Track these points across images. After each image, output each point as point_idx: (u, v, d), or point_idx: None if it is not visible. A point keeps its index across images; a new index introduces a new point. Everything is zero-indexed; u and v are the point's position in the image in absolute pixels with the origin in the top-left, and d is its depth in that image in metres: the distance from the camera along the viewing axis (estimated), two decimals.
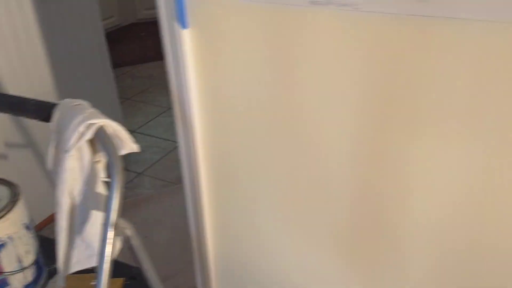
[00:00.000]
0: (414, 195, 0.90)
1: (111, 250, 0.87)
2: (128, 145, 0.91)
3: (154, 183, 2.36)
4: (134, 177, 2.40)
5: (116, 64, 3.75)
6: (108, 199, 0.86)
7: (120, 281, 1.08)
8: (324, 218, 1.05)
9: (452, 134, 0.81)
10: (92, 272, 0.92)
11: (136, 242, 0.94)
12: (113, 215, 0.86)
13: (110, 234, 0.87)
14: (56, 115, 0.91)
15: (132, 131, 2.73)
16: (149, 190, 2.31)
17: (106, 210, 0.86)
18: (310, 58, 0.88)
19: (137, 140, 2.69)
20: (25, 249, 1.04)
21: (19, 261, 1.03)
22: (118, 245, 0.99)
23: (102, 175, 0.95)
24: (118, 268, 1.14)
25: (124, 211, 2.25)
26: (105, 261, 0.87)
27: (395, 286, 1.04)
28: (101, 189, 0.95)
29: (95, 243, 0.95)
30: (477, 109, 0.77)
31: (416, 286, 1.01)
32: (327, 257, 1.11)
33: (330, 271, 1.13)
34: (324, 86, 0.90)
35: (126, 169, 2.44)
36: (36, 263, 1.04)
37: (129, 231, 0.91)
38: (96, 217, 0.95)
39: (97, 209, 0.95)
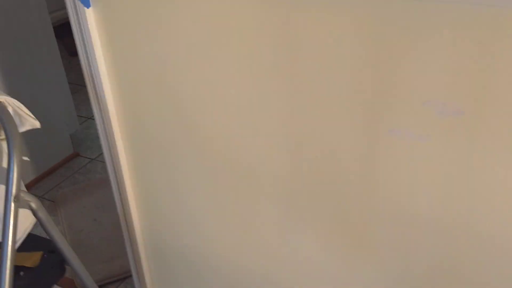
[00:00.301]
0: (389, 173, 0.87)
1: (13, 222, 0.91)
2: (30, 121, 0.94)
3: (106, 168, 2.38)
4: (87, 163, 2.43)
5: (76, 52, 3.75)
6: (7, 172, 0.90)
7: (38, 254, 1.12)
8: (268, 187, 1.01)
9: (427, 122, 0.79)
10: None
11: (43, 215, 0.98)
12: (13, 188, 0.90)
13: (12, 206, 0.91)
14: None
15: (87, 118, 2.75)
16: (101, 175, 2.34)
17: (6, 183, 0.90)
18: (235, 42, 0.87)
19: (91, 127, 2.72)
20: None
21: None
22: (29, 219, 1.03)
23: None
24: (36, 242, 1.18)
25: (76, 196, 2.25)
26: (8, 233, 0.91)
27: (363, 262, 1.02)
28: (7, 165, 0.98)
29: None
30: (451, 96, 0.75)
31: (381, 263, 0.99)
32: (271, 233, 1.07)
33: (275, 248, 1.10)
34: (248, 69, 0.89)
35: (79, 155, 2.47)
36: None
37: (34, 204, 0.95)
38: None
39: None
